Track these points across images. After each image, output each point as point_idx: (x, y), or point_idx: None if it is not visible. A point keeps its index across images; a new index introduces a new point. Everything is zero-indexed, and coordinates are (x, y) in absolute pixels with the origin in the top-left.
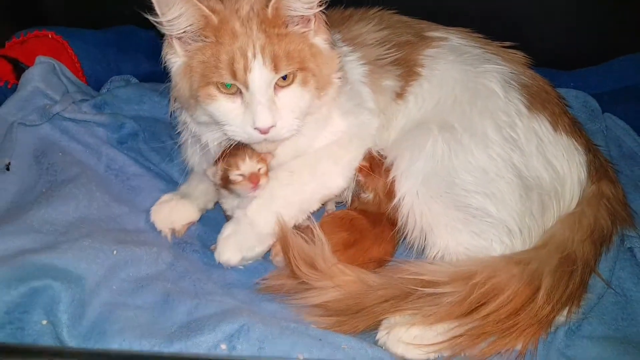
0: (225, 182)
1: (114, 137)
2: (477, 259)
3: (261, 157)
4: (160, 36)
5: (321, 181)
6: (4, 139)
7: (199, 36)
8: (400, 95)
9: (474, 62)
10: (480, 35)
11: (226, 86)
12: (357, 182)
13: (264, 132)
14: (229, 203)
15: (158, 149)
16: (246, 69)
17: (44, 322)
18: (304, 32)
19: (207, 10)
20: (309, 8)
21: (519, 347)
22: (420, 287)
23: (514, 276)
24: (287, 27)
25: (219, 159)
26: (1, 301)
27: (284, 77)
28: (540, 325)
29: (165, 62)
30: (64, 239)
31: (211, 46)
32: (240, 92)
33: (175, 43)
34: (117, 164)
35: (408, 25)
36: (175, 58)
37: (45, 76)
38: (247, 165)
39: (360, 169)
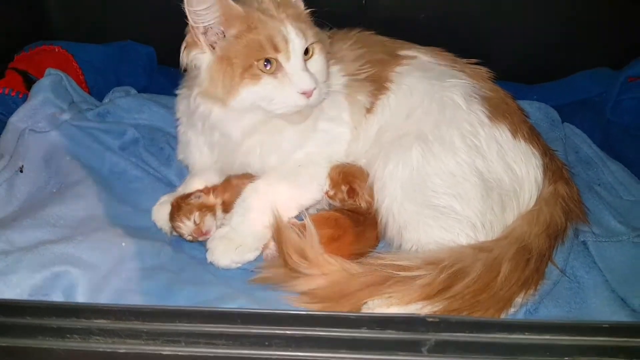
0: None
1: (116, 144)
2: (446, 247)
3: (189, 209)
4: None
5: (298, 192)
6: (17, 144)
7: (225, 27)
8: (369, 110)
9: (439, 77)
10: (449, 54)
11: (265, 67)
12: (342, 200)
13: (309, 94)
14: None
15: (157, 154)
16: (286, 40)
17: None
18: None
19: (233, 3)
20: None
21: None
22: (396, 272)
23: (478, 261)
24: (293, 7)
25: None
26: (26, 284)
27: (306, 53)
28: (501, 304)
29: (190, 61)
30: (78, 232)
31: (244, 34)
32: (279, 69)
33: (202, 39)
34: (119, 167)
35: (383, 44)
36: (202, 56)
37: (54, 87)
38: (185, 229)
39: (348, 193)
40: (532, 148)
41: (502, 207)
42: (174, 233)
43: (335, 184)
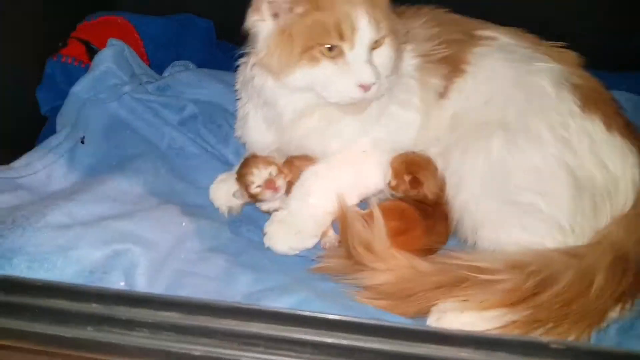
0: (253, 197)
1: (176, 119)
2: (532, 250)
3: (267, 162)
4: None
5: (361, 179)
6: (78, 114)
7: (293, 3)
8: (442, 95)
9: (524, 60)
10: (531, 35)
11: (328, 50)
12: (405, 192)
13: (366, 88)
14: (266, 205)
15: (215, 131)
16: (353, 29)
17: (122, 283)
18: None
19: None
20: None
21: (571, 337)
22: (475, 274)
23: (570, 268)
24: None
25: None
26: (87, 261)
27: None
28: (593, 318)
29: (250, 26)
30: (138, 208)
31: (311, 12)
32: (341, 55)
33: (265, 6)
34: (177, 143)
35: (459, 23)
36: (262, 24)
37: (116, 58)
38: (257, 177)
39: (411, 184)
40: (628, 144)
41: (594, 210)
42: (231, 210)
43: (397, 173)
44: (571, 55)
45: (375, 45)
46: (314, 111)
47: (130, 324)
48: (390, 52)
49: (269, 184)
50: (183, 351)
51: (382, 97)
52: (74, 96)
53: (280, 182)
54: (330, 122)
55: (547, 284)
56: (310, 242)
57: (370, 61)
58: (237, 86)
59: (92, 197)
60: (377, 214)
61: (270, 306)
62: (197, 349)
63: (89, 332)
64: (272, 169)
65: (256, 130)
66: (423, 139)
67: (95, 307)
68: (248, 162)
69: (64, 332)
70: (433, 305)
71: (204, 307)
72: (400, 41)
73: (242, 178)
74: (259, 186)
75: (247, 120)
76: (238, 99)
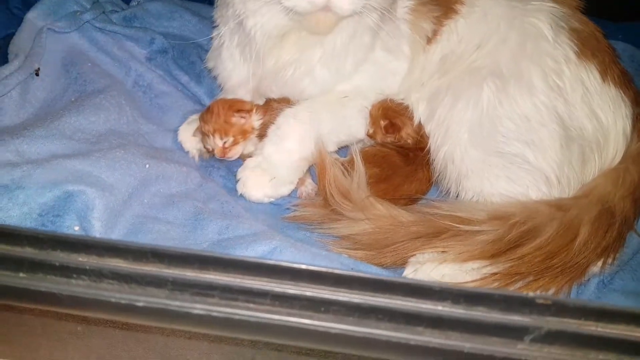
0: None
1: (143, 53)
2: (516, 201)
3: (224, 132)
4: None
5: (341, 125)
6: (33, 43)
7: None
8: (430, 40)
9: None
10: None
11: None
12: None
13: None
14: None
15: (187, 68)
16: None
17: (76, 227)
18: None
19: None
20: None
21: (551, 291)
22: (455, 224)
23: (554, 220)
24: None
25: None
26: (35, 203)
27: None
28: (574, 272)
29: None
30: (96, 147)
31: None
32: None
33: None
34: (145, 80)
35: None
36: None
37: None
38: (212, 142)
39: (386, 129)
40: (622, 94)
41: (582, 161)
42: (202, 153)
43: (374, 120)
44: None
45: None
46: (285, 38)
47: (67, 271)
48: None
49: (219, 152)
50: (124, 302)
51: (360, 35)
52: (29, 23)
53: (234, 151)
54: (303, 53)
55: (530, 236)
56: (285, 190)
57: None
58: (215, 11)
59: (44, 134)
60: (358, 161)
61: (227, 253)
62: (141, 300)
63: (20, 279)
64: (228, 141)
65: (230, 61)
66: (406, 84)
67: (28, 251)
68: (211, 114)
69: None
70: (411, 256)
71: (151, 253)
72: None
73: (202, 129)
74: (211, 152)
75: (222, 49)
76: (215, 27)
